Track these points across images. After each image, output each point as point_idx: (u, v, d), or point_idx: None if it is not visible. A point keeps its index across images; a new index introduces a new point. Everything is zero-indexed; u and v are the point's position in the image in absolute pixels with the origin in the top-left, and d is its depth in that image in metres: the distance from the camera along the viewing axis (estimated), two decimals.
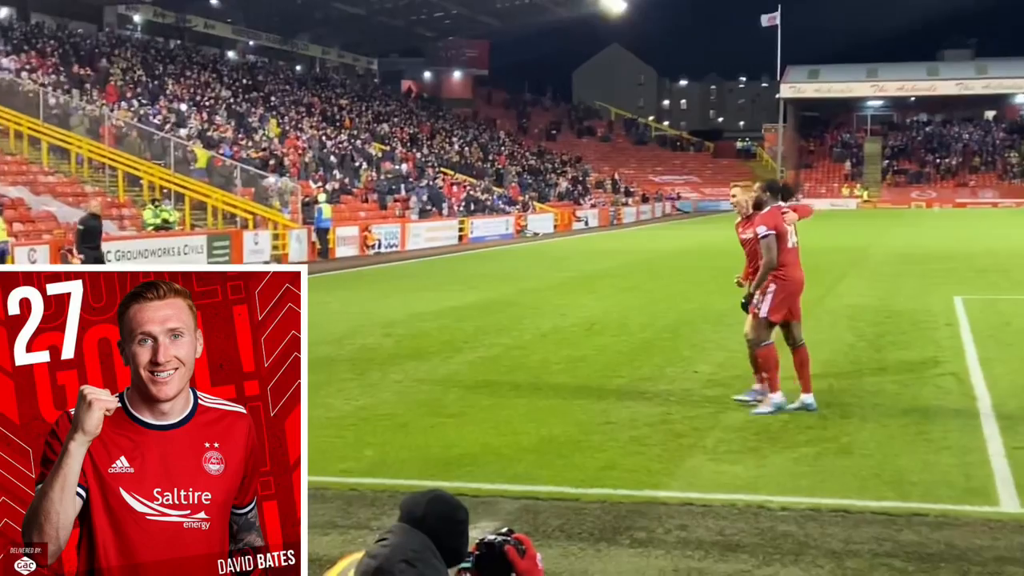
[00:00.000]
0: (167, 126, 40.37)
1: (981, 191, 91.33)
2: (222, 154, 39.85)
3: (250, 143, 44.46)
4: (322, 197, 37.56)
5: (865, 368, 12.90)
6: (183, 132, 40.82)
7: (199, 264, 26.72)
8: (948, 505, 7.40)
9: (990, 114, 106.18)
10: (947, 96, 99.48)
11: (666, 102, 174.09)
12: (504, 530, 3.74)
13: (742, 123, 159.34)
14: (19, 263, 24.36)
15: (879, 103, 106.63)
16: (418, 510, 3.53)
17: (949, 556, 6.49)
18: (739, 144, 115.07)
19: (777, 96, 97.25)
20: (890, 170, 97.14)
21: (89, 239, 21.39)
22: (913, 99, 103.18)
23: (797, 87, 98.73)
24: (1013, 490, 7.73)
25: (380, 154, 54.75)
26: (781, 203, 10.91)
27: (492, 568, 3.57)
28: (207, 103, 48.58)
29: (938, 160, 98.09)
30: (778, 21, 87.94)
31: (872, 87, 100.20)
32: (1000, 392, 11.23)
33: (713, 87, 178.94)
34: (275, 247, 34.59)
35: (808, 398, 10.49)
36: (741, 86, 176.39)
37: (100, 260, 21.67)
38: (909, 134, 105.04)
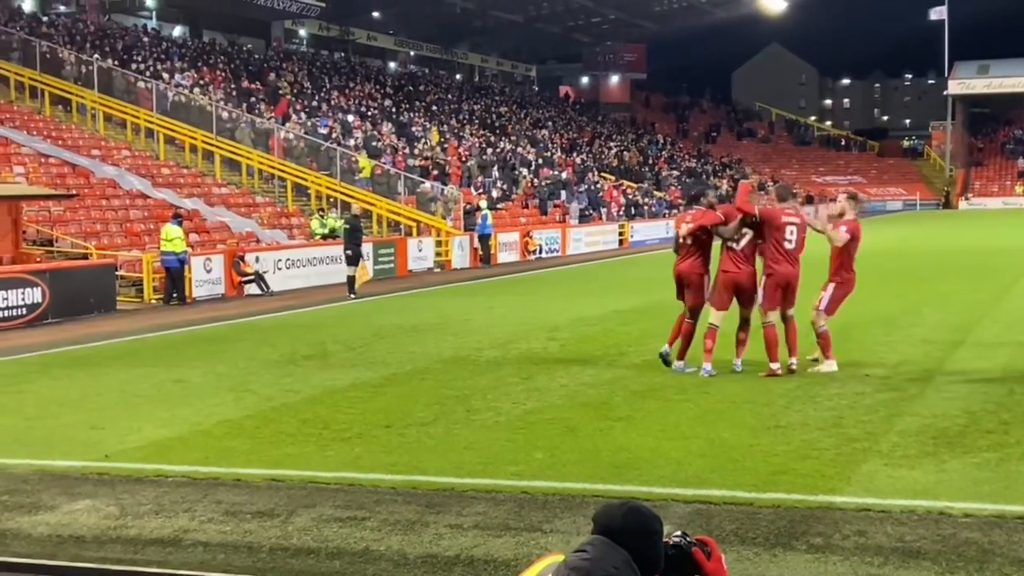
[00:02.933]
0: (333, 136, 41.36)
1: None
2: (384, 163, 40.62)
3: (413, 152, 45.21)
4: (484, 204, 37.98)
5: None
6: (349, 142, 41.76)
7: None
8: None
9: None
10: None
11: (828, 101, 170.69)
12: (678, 533, 3.73)
13: (908, 121, 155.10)
14: (195, 272, 25.30)
15: None
16: (615, 523, 3.52)
17: None
18: (905, 143, 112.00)
19: (945, 93, 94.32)
20: None
21: (354, 237, 25.40)
22: None
23: (966, 83, 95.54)
24: None
25: (540, 160, 55.04)
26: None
27: (679, 570, 3.57)
28: (371, 113, 49.60)
29: None
30: (945, 15, 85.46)
31: None
32: None
33: (877, 85, 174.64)
34: (438, 254, 35.11)
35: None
36: (907, 83, 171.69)
37: (360, 256, 25.71)
38: None
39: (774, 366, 12.63)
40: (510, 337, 16.96)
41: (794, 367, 12.72)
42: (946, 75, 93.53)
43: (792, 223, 12.79)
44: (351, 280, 25.20)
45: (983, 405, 10.62)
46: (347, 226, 26.21)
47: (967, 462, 8.55)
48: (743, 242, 12.86)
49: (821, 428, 9.86)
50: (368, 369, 14.18)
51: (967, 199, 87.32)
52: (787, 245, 12.73)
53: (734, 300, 13.07)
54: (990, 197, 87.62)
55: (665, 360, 13.26)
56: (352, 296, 24.75)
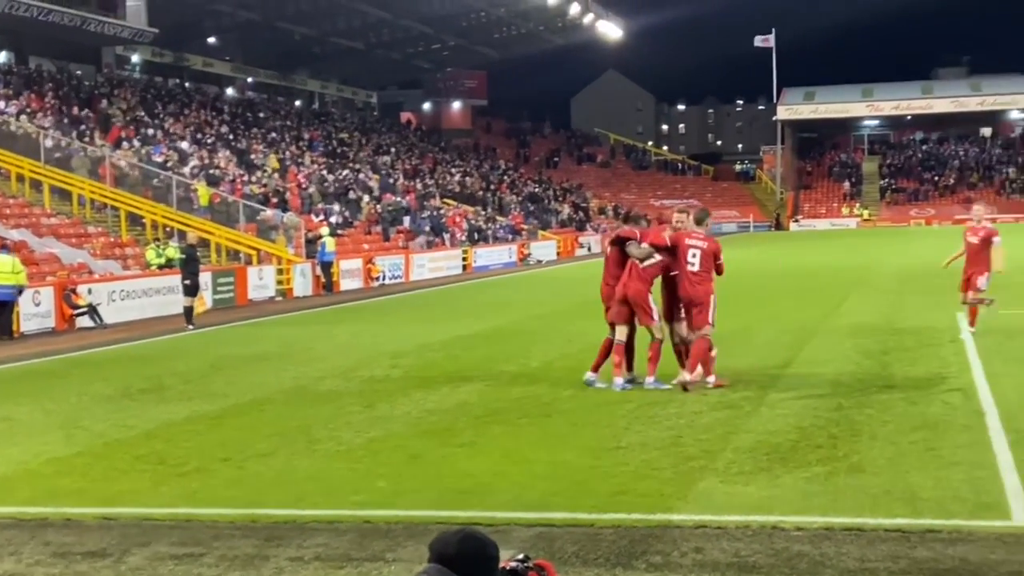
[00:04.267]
0: (168, 165, 40.52)
1: None
2: (223, 191, 39.96)
3: (252, 179, 44.60)
4: (325, 231, 37.66)
5: (872, 386, 12.93)
6: (185, 170, 40.96)
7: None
8: (961, 521, 7.43)
9: (986, 131, 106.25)
10: (942, 114, 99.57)
11: (665, 127, 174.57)
12: (520, 556, 3.76)
13: (740, 146, 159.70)
14: (23, 305, 24.44)
15: (875, 122, 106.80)
16: (450, 550, 3.53)
17: (964, 572, 6.52)
18: (738, 167, 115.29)
19: (774, 118, 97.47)
20: (888, 188, 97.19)
21: (191, 266, 24.82)
22: (909, 117, 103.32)
23: (794, 109, 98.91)
24: None
25: (382, 186, 54.89)
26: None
27: None
28: (208, 141, 48.78)
29: (936, 177, 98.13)
30: (772, 43, 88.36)
31: (868, 107, 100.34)
32: (1008, 406, 11.26)
33: (711, 111, 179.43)
34: (279, 282, 34.65)
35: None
36: (739, 109, 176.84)
37: (198, 286, 25.09)
38: (906, 152, 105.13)
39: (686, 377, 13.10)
40: (353, 365, 16.83)
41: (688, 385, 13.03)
42: (775, 101, 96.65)
43: (696, 247, 13.29)
44: (189, 311, 24.67)
45: (813, 421, 10.96)
46: (183, 255, 25.69)
47: (798, 477, 8.81)
48: (649, 262, 13.28)
49: (660, 448, 10.04)
50: (206, 401, 13.90)
51: (797, 221, 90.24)
52: (689, 268, 13.23)
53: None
54: (819, 218, 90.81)
55: (634, 382, 13.49)
56: (190, 327, 24.23)
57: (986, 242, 17.37)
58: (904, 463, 9.11)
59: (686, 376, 13.04)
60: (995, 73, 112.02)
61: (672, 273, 13.45)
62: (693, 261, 13.25)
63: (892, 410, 11.40)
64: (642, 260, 13.28)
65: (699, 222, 13.86)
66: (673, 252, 13.38)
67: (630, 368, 13.66)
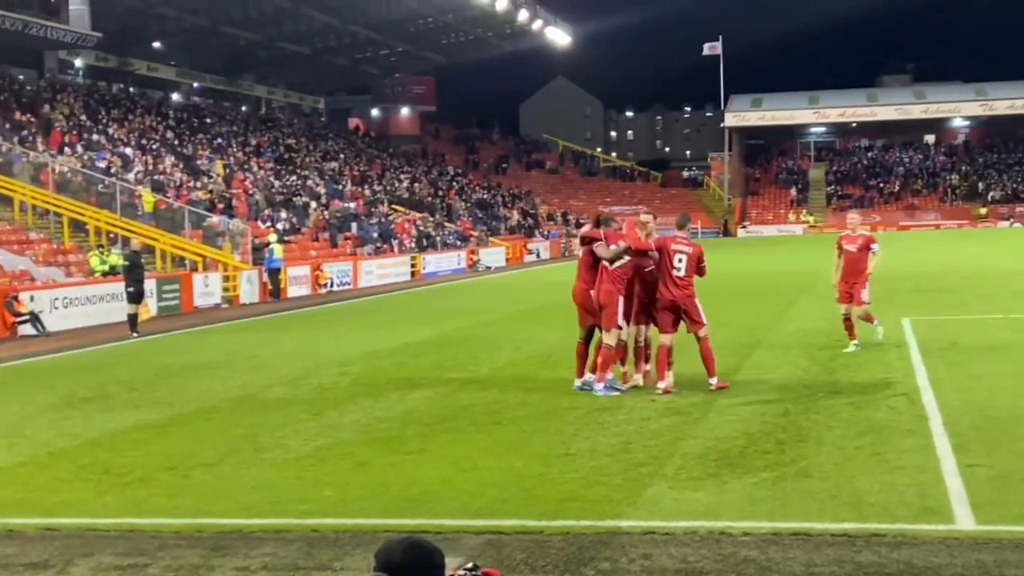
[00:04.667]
0: (112, 170, 40.09)
1: (923, 213, 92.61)
2: (168, 197, 39.60)
3: (197, 185, 44.23)
4: (272, 237, 37.43)
5: (819, 391, 13.03)
6: (129, 176, 40.54)
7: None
8: (905, 525, 7.50)
9: (929, 138, 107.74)
10: (887, 121, 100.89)
11: (613, 133, 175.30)
12: (469, 565, 3.74)
13: (688, 152, 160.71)
14: None
15: (822, 129, 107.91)
16: (395, 558, 3.49)
17: (908, 575, 6.57)
18: (686, 173, 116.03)
19: (722, 125, 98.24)
20: (835, 195, 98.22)
21: (135, 273, 24.46)
22: (854, 125, 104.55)
23: (741, 115, 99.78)
24: (968, 508, 7.84)
25: (330, 192, 54.65)
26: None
27: None
28: (152, 146, 48.33)
29: (881, 184, 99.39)
30: (720, 50, 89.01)
31: (814, 114, 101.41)
32: (951, 411, 11.38)
33: (659, 117, 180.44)
34: (226, 289, 34.39)
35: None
36: (686, 116, 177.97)
37: (142, 293, 24.89)
38: (852, 159, 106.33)
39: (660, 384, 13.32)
40: (300, 373, 16.73)
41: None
42: (723, 108, 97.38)
43: (682, 252, 13.52)
44: (133, 318, 24.42)
45: (761, 426, 11.02)
46: (127, 262, 25.38)
47: (746, 482, 8.85)
48: (616, 264, 13.33)
49: (609, 454, 10.05)
50: (151, 410, 13.75)
51: (745, 227, 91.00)
52: (675, 272, 13.45)
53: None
54: (766, 225, 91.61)
55: (615, 388, 13.51)
56: (135, 335, 23.97)
57: (864, 250, 17.05)
58: (850, 468, 9.18)
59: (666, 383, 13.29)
60: (938, 81, 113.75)
61: (647, 269, 13.58)
62: (679, 266, 13.46)
63: (838, 415, 11.49)
64: (611, 261, 13.32)
65: (681, 226, 14.04)
66: (643, 254, 13.51)
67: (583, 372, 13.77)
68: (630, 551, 7.19)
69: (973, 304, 23.42)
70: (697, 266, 13.62)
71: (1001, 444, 9.79)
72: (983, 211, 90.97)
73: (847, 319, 16.82)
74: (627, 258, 13.37)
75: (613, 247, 13.35)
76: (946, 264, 38.51)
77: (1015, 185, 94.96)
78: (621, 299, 13.34)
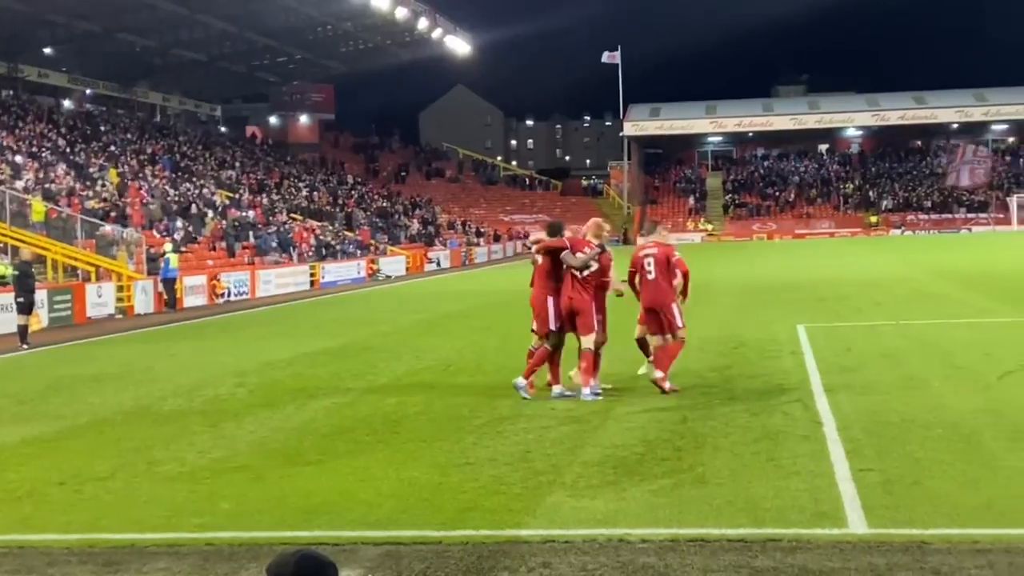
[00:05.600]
0: (2, 179, 39.11)
1: (818, 222, 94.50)
2: (60, 206, 38.75)
3: (90, 194, 43.36)
4: (168, 247, 36.81)
5: (716, 398, 13.17)
6: (19, 184, 39.59)
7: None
8: (800, 529, 7.59)
9: (823, 147, 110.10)
10: (782, 131, 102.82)
11: (513, 142, 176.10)
12: None
13: (588, 161, 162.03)
14: None
15: (719, 139, 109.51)
16: (286, 571, 3.44)
17: None
18: (586, 182, 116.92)
19: (621, 134, 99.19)
20: (732, 203, 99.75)
21: (25, 284, 23.98)
22: (751, 134, 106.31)
23: (640, 125, 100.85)
24: (860, 512, 7.96)
25: (227, 201, 53.99)
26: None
27: None
28: (43, 154, 47.27)
29: (777, 193, 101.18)
30: (618, 60, 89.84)
31: (711, 123, 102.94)
32: (844, 416, 11.58)
33: (559, 126, 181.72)
34: (120, 299, 33.73)
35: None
36: (586, 125, 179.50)
37: (32, 304, 24.42)
38: (748, 168, 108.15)
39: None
40: (196, 384, 16.46)
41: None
42: (621, 117, 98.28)
43: (650, 254, 13.99)
44: (23, 329, 23.81)
45: (659, 433, 11.10)
46: (16, 272, 24.78)
47: (644, 489, 8.90)
48: (587, 272, 13.49)
49: (509, 463, 10.04)
50: (41, 423, 13.40)
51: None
52: (648, 276, 13.90)
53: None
54: None
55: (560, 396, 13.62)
56: (24, 346, 23.38)
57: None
58: (746, 474, 9.28)
59: (657, 374, 13.62)
60: (832, 91, 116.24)
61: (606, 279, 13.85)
62: (649, 269, 13.91)
63: (735, 422, 11.61)
64: (580, 269, 13.45)
65: (648, 232, 14.84)
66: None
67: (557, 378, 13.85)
68: (530, 560, 7.18)
69: (866, 311, 23.91)
70: (667, 266, 13.98)
71: (892, 449, 9.98)
72: (876, 219, 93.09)
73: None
74: (595, 265, 13.50)
75: (580, 255, 13.46)
76: (840, 272, 39.30)
77: (906, 194, 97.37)
78: (593, 304, 13.56)
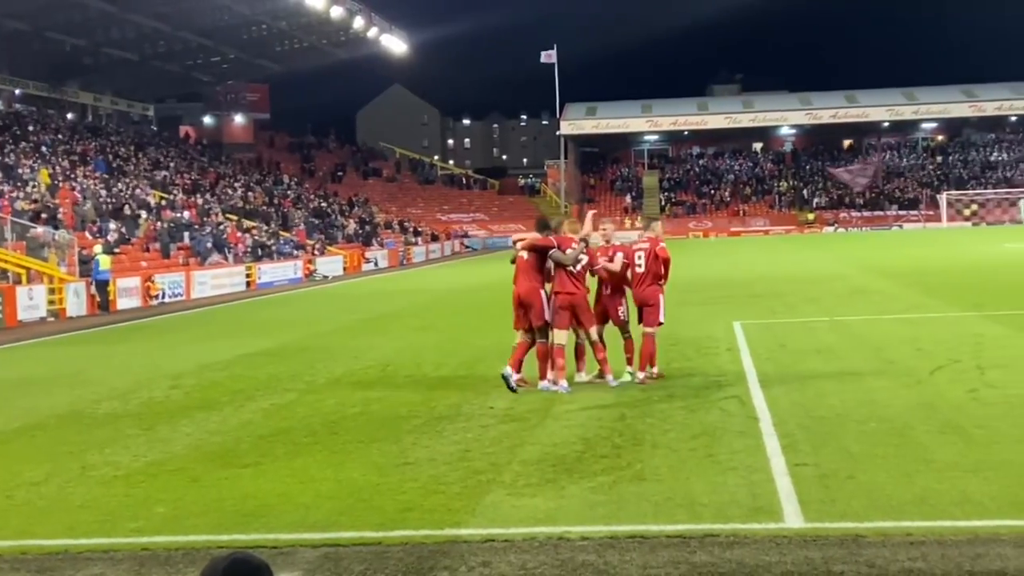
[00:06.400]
0: None
1: (753, 220, 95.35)
2: None
3: (21, 195, 42.66)
4: (98, 248, 36.30)
5: (654, 396, 13.23)
6: None
7: None
8: (738, 524, 7.66)
9: (758, 146, 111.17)
10: (717, 130, 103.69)
11: (450, 141, 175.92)
12: None
13: (525, 160, 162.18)
14: None
15: (655, 137, 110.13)
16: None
17: (740, 574, 6.71)
18: (523, 181, 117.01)
19: (558, 133, 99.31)
20: (668, 202, 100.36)
21: None
22: (686, 133, 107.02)
23: (576, 124, 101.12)
24: (796, 506, 8.05)
25: (161, 202, 53.39)
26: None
27: None
28: None
29: (712, 191, 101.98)
30: (555, 59, 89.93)
31: (647, 122, 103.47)
32: (780, 412, 11.70)
33: (496, 125, 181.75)
34: (51, 302, 33.23)
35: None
36: (523, 124, 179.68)
37: None
38: (684, 166, 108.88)
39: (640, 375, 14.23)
40: (130, 387, 16.27)
41: (640, 378, 14.20)
42: (558, 116, 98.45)
43: (641, 249, 14.45)
44: None
45: (598, 431, 11.14)
46: None
47: (583, 487, 8.92)
48: (578, 266, 13.95)
49: (448, 462, 10.02)
50: None
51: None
52: (638, 270, 14.38)
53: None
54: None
55: (507, 383, 13.76)
56: None
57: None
58: (684, 470, 9.34)
59: (639, 373, 14.20)
60: (766, 91, 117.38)
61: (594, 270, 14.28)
62: (639, 263, 14.39)
63: (672, 418, 11.69)
64: (572, 264, 13.86)
65: (644, 228, 15.34)
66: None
67: (518, 368, 14.08)
68: (469, 559, 7.17)
69: (801, 307, 24.16)
70: (656, 261, 14.37)
71: (827, 443, 10.09)
72: (810, 217, 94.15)
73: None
74: (584, 258, 13.99)
75: (569, 251, 13.87)
76: (775, 269, 39.68)
77: (839, 192, 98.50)
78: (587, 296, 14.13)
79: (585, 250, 14.07)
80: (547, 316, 13.97)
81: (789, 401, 12.39)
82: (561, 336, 13.90)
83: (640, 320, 14.48)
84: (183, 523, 8.39)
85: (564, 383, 13.78)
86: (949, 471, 8.89)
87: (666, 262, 14.54)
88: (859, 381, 13.73)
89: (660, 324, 14.44)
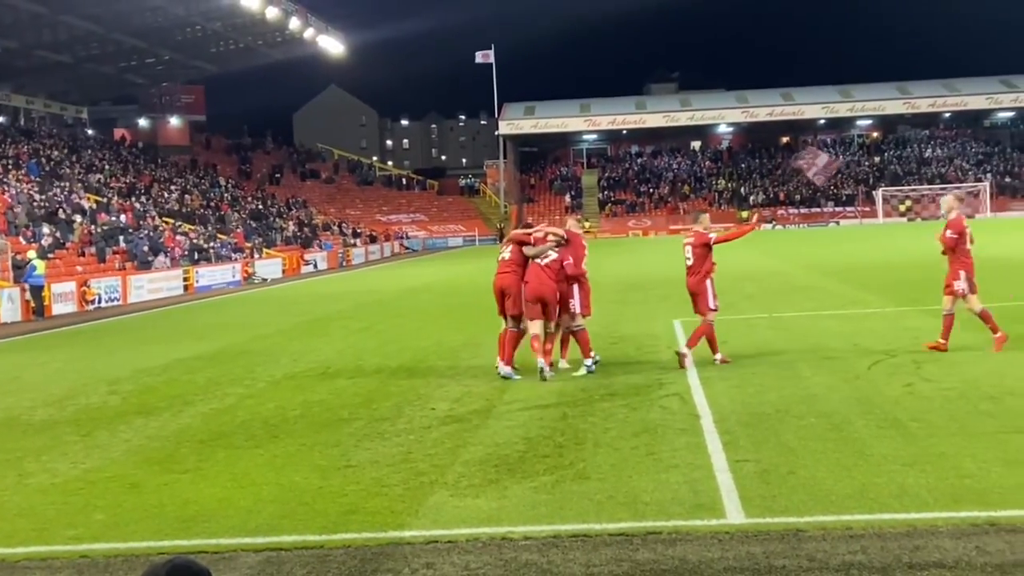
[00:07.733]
0: None
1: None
2: None
3: None
4: (32, 253, 35.82)
5: (596, 394, 13.27)
6: None
7: None
8: (680, 521, 7.70)
9: (696, 144, 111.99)
10: (655, 128, 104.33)
11: (389, 142, 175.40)
12: None
13: (464, 160, 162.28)
14: None
15: (593, 137, 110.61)
16: None
17: (683, 571, 6.75)
18: (462, 181, 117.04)
19: (496, 133, 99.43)
20: (608, 201, 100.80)
21: None
22: (625, 132, 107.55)
23: (515, 123, 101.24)
24: (737, 502, 8.11)
25: (95, 205, 52.73)
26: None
27: None
28: None
29: (651, 189, 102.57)
30: (492, 59, 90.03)
31: (585, 121, 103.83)
32: (720, 409, 11.79)
33: (434, 126, 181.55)
34: None
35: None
36: (461, 124, 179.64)
37: None
38: (623, 165, 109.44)
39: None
40: (67, 393, 16.04)
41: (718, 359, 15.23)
42: (497, 116, 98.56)
43: (688, 243, 15.58)
44: None
45: (540, 431, 11.15)
46: None
47: (526, 487, 8.93)
48: (547, 260, 14.80)
49: (390, 464, 9.99)
50: None
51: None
52: (687, 263, 15.53)
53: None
54: None
55: (541, 375, 14.47)
56: None
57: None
58: (626, 468, 9.38)
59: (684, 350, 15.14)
60: (703, 89, 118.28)
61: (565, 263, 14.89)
62: (688, 256, 15.46)
63: (614, 417, 11.73)
64: (535, 257, 14.81)
65: (693, 221, 16.36)
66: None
67: (510, 360, 14.89)
68: (413, 561, 7.16)
69: (740, 304, 24.31)
70: (705, 251, 15.36)
71: (768, 439, 10.18)
72: (747, 214, 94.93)
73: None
74: (552, 255, 14.79)
75: (535, 248, 14.92)
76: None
77: (776, 189, 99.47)
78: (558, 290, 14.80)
79: (556, 248, 14.89)
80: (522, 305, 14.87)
81: (729, 398, 12.48)
82: (535, 326, 14.66)
83: (695, 310, 15.50)
84: (123, 530, 8.29)
85: (546, 368, 14.54)
86: (887, 464, 9.01)
87: (705, 244, 15.39)
88: (798, 377, 13.87)
89: (712, 310, 15.30)
